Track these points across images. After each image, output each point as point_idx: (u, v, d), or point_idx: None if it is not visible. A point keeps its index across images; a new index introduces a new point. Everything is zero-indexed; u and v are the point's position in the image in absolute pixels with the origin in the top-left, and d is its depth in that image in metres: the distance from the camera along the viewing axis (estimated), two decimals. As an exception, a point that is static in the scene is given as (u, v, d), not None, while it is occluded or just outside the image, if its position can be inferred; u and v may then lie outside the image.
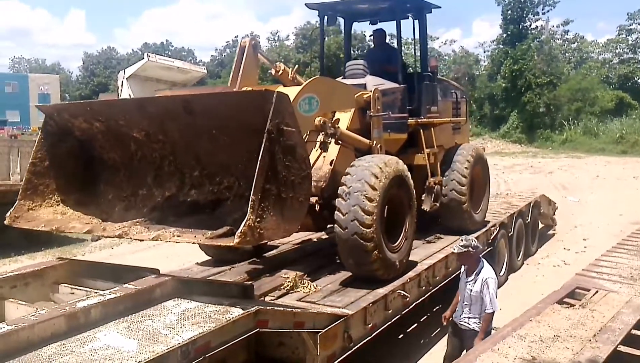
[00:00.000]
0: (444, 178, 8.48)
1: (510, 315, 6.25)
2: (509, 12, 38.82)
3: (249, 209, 3.96)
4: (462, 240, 5.69)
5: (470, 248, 5.57)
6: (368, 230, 5.77)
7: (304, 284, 6.11)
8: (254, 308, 4.40)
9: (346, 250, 5.99)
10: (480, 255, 5.75)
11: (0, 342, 3.57)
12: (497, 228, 9.40)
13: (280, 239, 4.83)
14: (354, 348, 5.49)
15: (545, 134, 35.94)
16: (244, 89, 6.08)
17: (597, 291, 6.29)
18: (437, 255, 7.61)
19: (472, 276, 5.70)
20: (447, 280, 7.62)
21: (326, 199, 6.34)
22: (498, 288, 9.16)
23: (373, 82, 7.85)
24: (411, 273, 6.71)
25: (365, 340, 5.61)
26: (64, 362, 3.49)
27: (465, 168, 8.55)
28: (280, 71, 7.02)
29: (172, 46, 66.47)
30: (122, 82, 18.03)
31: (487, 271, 5.66)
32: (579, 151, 31.71)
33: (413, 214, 6.81)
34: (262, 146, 4.04)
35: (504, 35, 39.57)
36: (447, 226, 8.73)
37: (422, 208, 7.87)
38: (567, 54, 43.31)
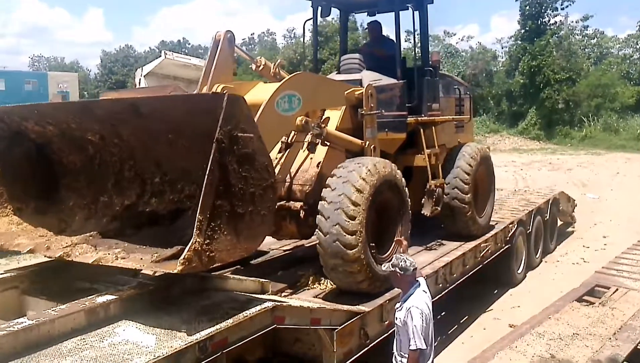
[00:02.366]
0: (446, 180, 7.90)
1: (528, 313, 6.22)
2: (527, 7, 38.34)
3: (194, 231, 3.56)
4: (394, 258, 4.73)
5: (397, 269, 4.54)
6: (351, 237, 5.30)
7: (319, 281, 6.09)
8: (270, 304, 4.42)
9: (328, 259, 5.48)
10: (417, 278, 4.64)
11: (22, 336, 3.63)
12: (515, 226, 9.31)
13: (238, 259, 4.29)
14: (370, 345, 5.49)
15: (564, 131, 35.49)
16: (215, 86, 5.69)
17: (617, 289, 6.22)
18: (443, 259, 7.26)
19: (400, 303, 4.66)
20: (463, 278, 7.59)
21: (312, 205, 5.79)
22: (512, 288, 9.24)
23: (369, 78, 7.26)
24: (428, 269, 6.67)
25: (381, 337, 5.60)
26: (84, 356, 3.54)
27: (469, 169, 7.97)
28: (261, 66, 6.67)
29: (189, 44, 66.73)
30: (140, 79, 18.16)
31: (415, 299, 4.48)
32: (598, 148, 31.29)
33: (406, 222, 6.25)
34: (211, 157, 3.61)
35: (522, 31, 39.09)
36: (450, 232, 8.23)
37: (423, 212, 7.49)
38: (586, 50, 42.65)
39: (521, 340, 4.88)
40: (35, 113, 4.78)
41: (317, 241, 5.52)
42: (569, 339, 4.88)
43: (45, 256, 4.55)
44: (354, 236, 5.31)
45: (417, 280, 4.66)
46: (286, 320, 4.53)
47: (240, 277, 5.13)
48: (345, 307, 5.27)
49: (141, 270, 4.34)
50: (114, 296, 4.23)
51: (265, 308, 4.34)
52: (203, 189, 3.57)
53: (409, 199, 6.35)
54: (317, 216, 5.47)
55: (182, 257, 3.53)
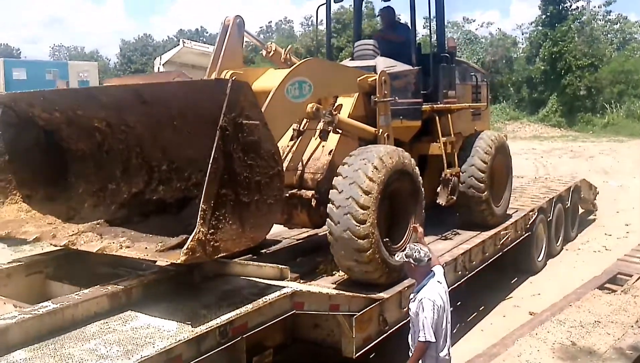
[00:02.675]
0: (462, 168, 7.71)
1: (548, 301, 6.18)
2: (549, -8, 37.75)
3: (198, 220, 3.49)
4: (407, 248, 4.76)
5: (411, 259, 4.54)
6: (362, 226, 5.19)
7: (338, 268, 6.10)
8: (290, 290, 4.44)
9: (338, 248, 5.39)
10: (433, 267, 4.66)
11: (47, 320, 3.69)
12: (536, 213, 9.23)
13: (244, 248, 4.22)
14: (389, 332, 5.50)
15: (586, 118, 34.95)
16: (224, 72, 5.60)
17: (639, 277, 6.14)
18: (462, 247, 7.21)
19: (414, 294, 4.70)
20: (483, 265, 7.55)
21: (323, 194, 5.69)
22: (533, 275, 9.17)
23: (384, 64, 7.17)
24: (447, 256, 6.65)
25: (400, 324, 5.60)
26: (107, 339, 3.59)
27: (485, 157, 7.78)
28: (272, 52, 6.56)
29: (207, 32, 66.80)
30: (158, 68, 18.27)
31: (428, 290, 4.49)
32: (621, 135, 30.76)
33: (420, 212, 6.14)
34: (214, 145, 3.53)
35: (543, 16, 38.46)
36: (466, 221, 8.06)
37: (438, 202, 7.36)
38: (609, 35, 41.86)
39: (542, 327, 4.85)
40: (41, 100, 4.73)
41: (328, 230, 5.44)
42: (590, 327, 4.84)
43: (51, 244, 4.53)
44: (365, 226, 5.21)
45: (432, 270, 4.65)
46: (305, 305, 4.55)
47: (260, 263, 5.16)
48: (364, 294, 5.27)
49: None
50: (135, 281, 4.28)
51: (284, 294, 4.37)
52: (207, 178, 3.51)
53: (424, 189, 6.25)
54: (328, 204, 5.39)
55: (185, 247, 3.47)
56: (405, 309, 5.61)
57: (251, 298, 4.30)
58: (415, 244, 4.79)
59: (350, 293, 5.07)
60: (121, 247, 4.06)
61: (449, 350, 4.66)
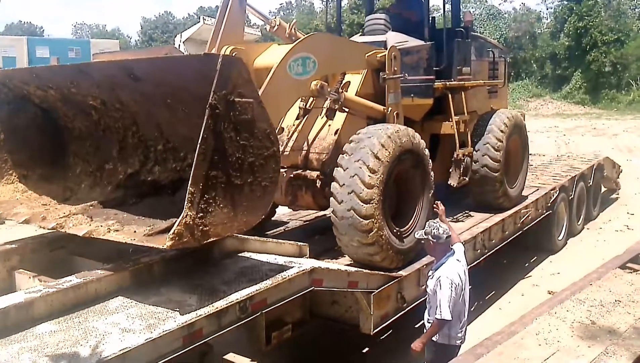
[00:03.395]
0: (476, 147, 7.44)
1: (568, 280, 6.14)
2: (575, -34, 36.84)
3: (185, 204, 3.30)
4: (426, 225, 4.77)
5: (430, 236, 4.56)
6: (367, 206, 5.02)
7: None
8: (309, 267, 4.48)
9: (341, 229, 5.22)
10: (452, 245, 4.69)
11: (71, 294, 3.78)
12: (557, 192, 9.13)
13: (237, 233, 4.08)
14: (407, 309, 5.52)
15: (611, 95, 34.29)
16: (224, 48, 5.36)
17: (662, 257, 6.06)
18: (482, 225, 7.14)
19: (432, 271, 4.75)
20: (502, 244, 7.51)
21: (328, 174, 5.47)
22: (553, 254, 9.11)
23: (394, 40, 6.92)
24: (466, 234, 6.62)
25: (418, 301, 5.62)
26: (130, 313, 3.67)
27: (500, 136, 7.45)
28: (276, 27, 6.34)
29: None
30: (179, 45, 18.31)
31: (446, 268, 4.55)
32: (646, 113, 30.19)
33: (428, 195, 5.91)
34: (203, 124, 3.33)
35: (569, -10, 37.69)
36: (479, 203, 7.78)
37: (449, 183, 7.11)
38: (636, 10, 40.74)
39: (561, 306, 4.81)
40: (34, 77, 4.58)
41: (331, 210, 5.29)
42: (610, 306, 4.79)
43: (40, 226, 4.44)
44: (369, 205, 5.03)
45: (452, 248, 4.66)
46: (324, 282, 4.59)
47: (279, 240, 5.21)
48: (383, 271, 5.30)
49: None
50: (157, 257, 4.35)
51: (303, 270, 4.41)
52: (195, 159, 3.31)
53: (434, 169, 6.07)
54: (332, 183, 5.23)
55: (171, 232, 3.30)
56: (423, 287, 5.64)
57: (270, 274, 4.35)
58: (435, 221, 4.80)
59: (369, 271, 5.09)
60: (109, 231, 3.92)
61: (464, 329, 4.70)
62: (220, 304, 3.73)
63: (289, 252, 4.97)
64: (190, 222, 3.33)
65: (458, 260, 4.59)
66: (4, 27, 52.65)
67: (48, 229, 4.37)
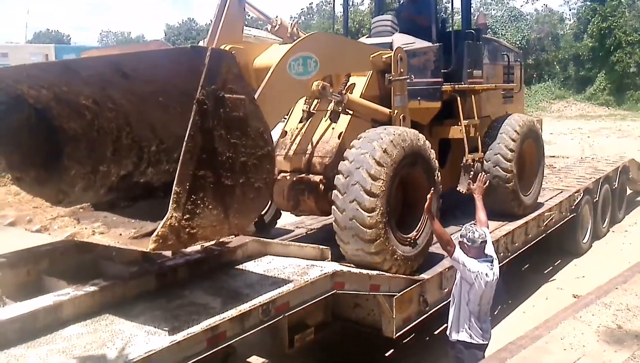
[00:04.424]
0: (486, 156, 7.18)
1: (593, 284, 6.07)
2: (598, -35, 36.39)
3: (170, 205, 3.14)
4: (463, 228, 4.74)
5: (465, 239, 4.58)
6: (370, 214, 4.80)
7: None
8: (331, 270, 4.51)
9: (344, 238, 5.01)
10: (485, 251, 4.63)
11: (97, 297, 3.86)
12: (581, 194, 9.02)
13: (228, 236, 3.93)
14: (429, 312, 5.51)
15: (636, 96, 33.73)
16: (222, 47, 5.12)
17: (690, 260, 5.97)
18: (505, 228, 7.01)
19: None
20: (525, 247, 7.44)
21: (331, 179, 5.24)
22: (577, 258, 8.99)
23: (401, 41, 6.74)
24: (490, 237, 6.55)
25: (440, 305, 5.60)
26: (154, 316, 3.73)
27: (512, 145, 7.18)
28: (277, 26, 6.14)
29: (249, 15, 66.94)
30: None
31: (479, 264, 4.56)
32: (673, 114, 29.66)
33: (435, 199, 5.37)
34: (190, 121, 3.17)
35: (592, -9, 37.24)
36: (491, 211, 7.52)
37: (458, 189, 6.85)
38: (662, 9, 40.19)
39: (586, 310, 4.77)
40: (25, 76, 4.44)
41: (332, 218, 5.09)
42: (637, 310, 4.74)
43: (25, 229, 4.32)
44: (373, 214, 4.82)
45: (491, 257, 4.64)
46: (346, 285, 4.61)
47: (301, 244, 5.24)
48: (405, 274, 5.29)
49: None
50: (181, 260, 4.41)
51: (325, 274, 4.44)
52: (181, 157, 3.16)
53: (444, 175, 5.89)
54: (333, 191, 5.04)
55: (154, 234, 3.13)
56: (445, 290, 5.62)
57: (293, 277, 4.38)
58: (472, 224, 4.84)
59: (391, 274, 5.09)
60: (94, 233, 3.77)
61: (490, 327, 4.69)
62: (244, 307, 3.77)
63: (311, 255, 5.00)
64: (176, 224, 3.16)
65: (491, 268, 4.56)
66: (32, 35, 53.67)
67: (33, 231, 4.23)
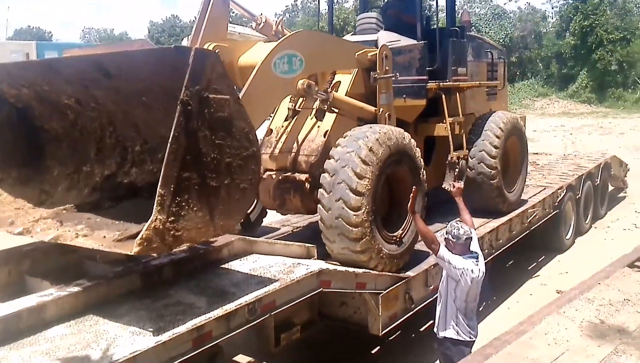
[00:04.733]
0: (471, 153, 7.22)
1: (576, 279, 6.12)
2: (580, -36, 36.77)
3: (154, 207, 3.10)
4: (449, 225, 4.75)
5: (450, 236, 4.59)
6: (355, 213, 4.80)
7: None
8: (317, 268, 4.51)
9: (330, 236, 5.00)
10: (470, 249, 4.65)
11: (82, 297, 3.83)
12: (564, 191, 9.11)
13: (213, 238, 3.93)
14: (415, 310, 5.53)
15: (617, 94, 34.20)
16: (206, 45, 5.09)
17: (671, 255, 6.04)
18: (489, 225, 7.06)
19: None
20: (509, 244, 7.50)
21: (317, 177, 5.22)
22: (560, 254, 9.09)
23: (386, 39, 6.71)
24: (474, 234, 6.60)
25: (426, 302, 5.63)
26: (140, 315, 3.70)
27: (497, 138, 7.22)
28: (262, 24, 6.08)
29: (233, 12, 66.77)
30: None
31: (465, 260, 4.60)
32: (653, 111, 30.07)
33: (420, 196, 5.61)
34: (174, 122, 3.14)
35: (574, -11, 37.63)
36: (476, 208, 7.33)
37: (443, 186, 6.87)
38: (642, 7, 40.72)
39: (569, 305, 4.81)
40: (6, 74, 4.38)
41: (318, 217, 5.08)
42: (619, 305, 4.79)
43: (7, 232, 4.27)
44: (358, 213, 4.81)
45: (476, 253, 4.68)
46: (332, 284, 4.62)
47: (287, 242, 5.23)
48: (391, 272, 5.31)
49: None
50: (166, 260, 4.38)
51: (311, 272, 4.43)
52: (165, 159, 3.12)
53: (429, 172, 5.92)
54: (319, 189, 5.02)
55: (139, 237, 3.11)
56: (431, 287, 5.65)
57: (279, 276, 4.37)
58: (458, 221, 4.85)
59: (377, 272, 5.10)
60: (77, 236, 3.74)
61: (476, 323, 4.73)
62: (230, 306, 3.75)
63: (297, 254, 5.00)
64: (160, 226, 3.13)
65: (477, 265, 4.59)
66: (13, 32, 52.97)
67: (15, 234, 4.19)
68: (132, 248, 3.13)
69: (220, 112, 3.36)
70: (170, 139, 3.12)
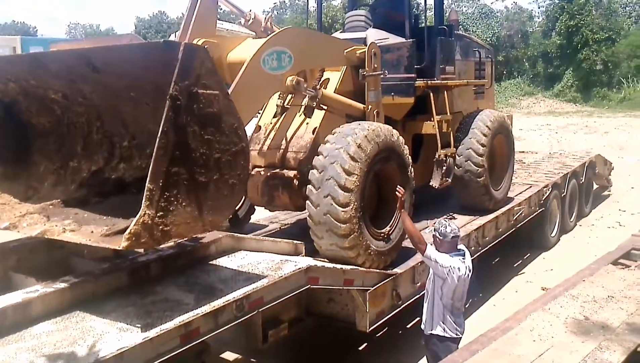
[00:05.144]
0: (458, 151, 7.28)
1: (561, 276, 6.18)
2: (566, -36, 37.05)
3: (143, 201, 3.09)
4: (437, 222, 4.83)
5: (437, 233, 4.63)
6: (344, 209, 4.82)
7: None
8: (305, 265, 4.52)
9: (318, 232, 5.02)
10: (458, 246, 4.69)
11: (69, 293, 3.80)
12: (550, 189, 9.20)
13: (202, 233, 3.93)
14: (402, 306, 5.56)
15: (602, 93, 34.54)
16: (195, 41, 5.05)
17: (654, 253, 6.14)
18: (476, 222, 7.14)
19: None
20: (496, 241, 7.56)
21: (305, 174, 5.24)
22: (546, 251, 9.17)
23: (375, 36, 6.73)
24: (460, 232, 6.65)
25: (413, 298, 5.66)
26: (127, 312, 3.69)
27: (483, 140, 7.26)
28: (251, 20, 6.07)
29: (221, 9, 66.49)
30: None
31: (451, 258, 4.62)
32: (637, 110, 30.32)
33: (409, 194, 5.67)
34: (163, 117, 3.12)
35: (560, -11, 37.92)
36: (463, 205, 7.64)
37: (431, 184, 6.97)
38: (627, 8, 41.03)
39: (554, 302, 4.87)
40: None
41: (307, 213, 5.10)
42: (603, 302, 4.85)
43: None
44: (347, 209, 4.83)
45: (462, 251, 4.71)
46: (320, 280, 4.63)
47: (275, 239, 5.23)
48: (378, 269, 5.33)
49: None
50: (154, 256, 4.37)
51: (299, 269, 4.44)
52: (154, 154, 3.10)
53: (417, 170, 5.96)
54: (307, 186, 5.04)
55: (127, 232, 3.09)
56: (418, 284, 5.68)
57: (267, 273, 4.38)
58: (447, 220, 4.91)
59: (364, 269, 5.12)
60: (64, 231, 3.70)
61: (463, 320, 4.77)
62: (217, 303, 3.74)
63: (285, 250, 5.00)
64: (149, 221, 3.13)
65: (463, 262, 4.62)
66: (-3, 27, 52.32)
67: (1, 229, 4.14)
68: (120, 243, 3.10)
69: (209, 108, 3.35)
70: (159, 134, 3.10)
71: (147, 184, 3.09)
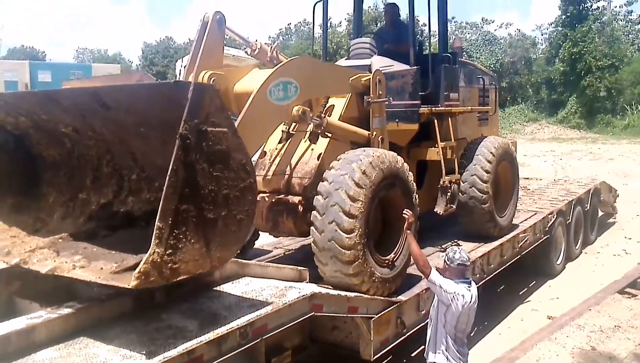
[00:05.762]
0: (463, 178, 7.27)
1: (567, 305, 6.15)
2: (569, -8, 37.45)
3: (153, 240, 3.10)
4: (449, 248, 4.81)
5: (446, 258, 4.62)
6: (348, 236, 4.80)
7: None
8: (309, 292, 4.50)
9: (323, 259, 5.01)
10: (465, 274, 4.65)
11: (72, 320, 3.79)
12: (555, 216, 9.16)
13: (210, 270, 3.89)
14: (407, 334, 5.51)
15: (606, 120, 34.63)
16: (202, 73, 5.14)
17: (660, 282, 6.10)
18: (480, 249, 7.09)
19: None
20: (501, 268, 7.52)
21: (310, 200, 5.25)
22: (551, 279, 9.11)
23: (379, 64, 6.79)
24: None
25: (418, 326, 5.61)
26: (130, 339, 3.67)
27: (488, 162, 7.27)
28: (257, 50, 6.16)
29: (227, 35, 67.24)
30: (180, 70, 18.46)
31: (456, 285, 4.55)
32: (642, 137, 30.40)
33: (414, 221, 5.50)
34: (173, 156, 3.14)
35: (563, 17, 38.23)
36: (467, 232, 7.62)
37: (436, 210, 6.96)
38: (630, 36, 41.34)
39: (561, 331, 4.85)
40: (3, 103, 4.41)
41: (311, 239, 5.07)
42: (610, 331, 4.82)
43: (4, 262, 4.27)
44: (351, 235, 4.82)
45: (469, 280, 4.68)
46: (324, 308, 4.60)
47: (280, 265, 5.22)
48: (383, 296, 5.30)
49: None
50: (158, 283, 4.35)
51: (303, 296, 4.42)
52: (164, 192, 3.11)
53: (421, 196, 5.96)
54: (312, 212, 5.03)
55: (137, 271, 3.10)
56: (423, 312, 5.63)
57: (271, 299, 4.36)
58: (459, 247, 4.90)
59: (369, 296, 5.10)
60: (74, 267, 3.72)
61: (467, 350, 4.71)
62: (221, 330, 3.72)
63: (289, 277, 4.99)
64: (158, 260, 3.14)
65: (469, 290, 4.59)
66: (6, 52, 52.95)
67: (11, 265, 4.19)
68: (130, 282, 3.12)
69: (218, 145, 3.37)
70: (169, 172, 3.12)
71: (156, 222, 3.10)
